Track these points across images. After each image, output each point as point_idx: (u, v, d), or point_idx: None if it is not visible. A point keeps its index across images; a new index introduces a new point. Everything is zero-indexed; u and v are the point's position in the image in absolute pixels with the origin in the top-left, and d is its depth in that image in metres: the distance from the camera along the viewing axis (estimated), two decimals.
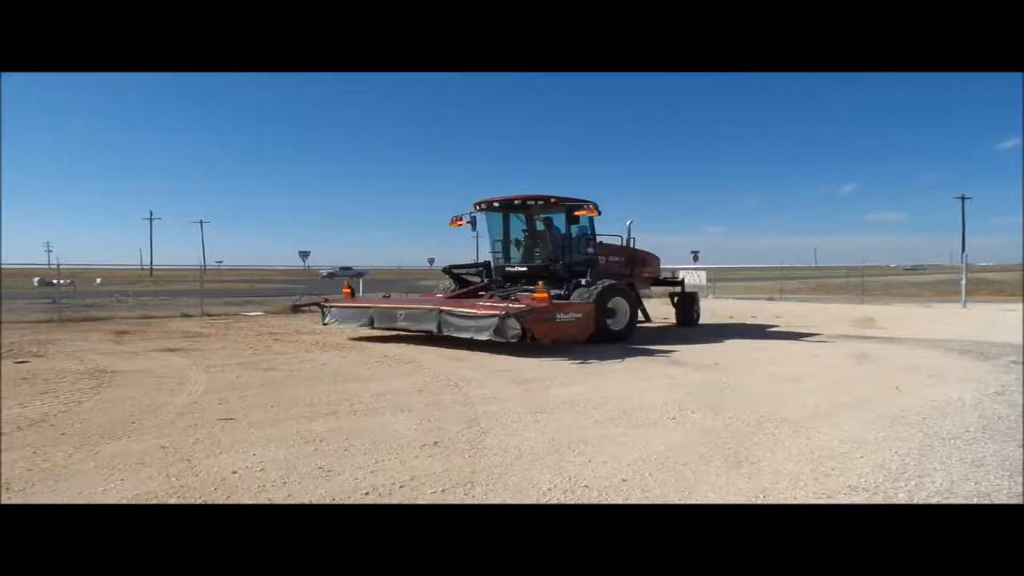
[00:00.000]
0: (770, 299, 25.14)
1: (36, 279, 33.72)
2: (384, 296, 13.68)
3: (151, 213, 77.95)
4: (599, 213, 11.85)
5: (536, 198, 11.81)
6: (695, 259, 37.53)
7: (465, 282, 13.07)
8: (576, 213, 11.85)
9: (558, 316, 9.68)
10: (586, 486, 3.79)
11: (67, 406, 5.90)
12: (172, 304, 20.35)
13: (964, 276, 22.56)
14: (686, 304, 14.86)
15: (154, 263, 75.34)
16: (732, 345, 10.87)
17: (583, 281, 10.96)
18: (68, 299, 20.90)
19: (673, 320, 15.02)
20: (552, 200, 11.78)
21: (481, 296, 11.84)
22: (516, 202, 12.00)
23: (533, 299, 9.87)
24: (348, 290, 13.12)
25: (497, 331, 9.18)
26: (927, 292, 28.33)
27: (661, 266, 15.51)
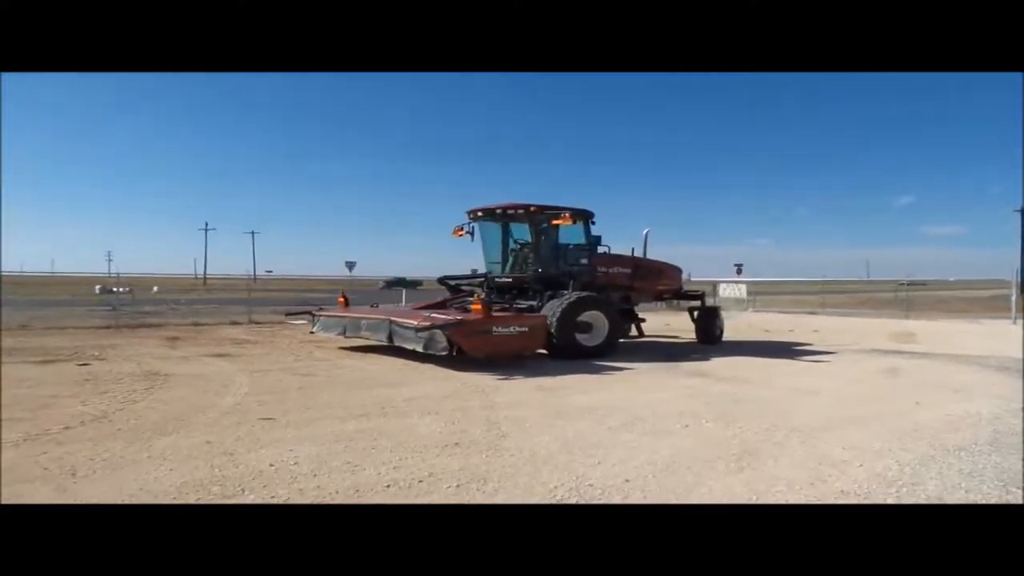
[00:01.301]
0: (812, 313, 24.83)
1: (98, 287, 35.36)
2: (372, 306, 13.19)
3: (206, 224, 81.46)
4: (575, 222, 11.51)
5: (514, 207, 11.61)
6: (739, 272, 37.00)
7: (460, 292, 12.90)
8: (555, 222, 11.44)
9: (494, 330, 9.40)
10: (591, 484, 4.06)
11: (123, 404, 6.42)
12: (222, 312, 21.21)
13: (1015, 292, 21.94)
14: (706, 320, 13.89)
15: (208, 272, 78.26)
16: (758, 358, 10.93)
17: (564, 293, 10.74)
18: (127, 306, 21.98)
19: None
20: (532, 209, 11.50)
21: (447, 307, 11.73)
22: (497, 211, 11.84)
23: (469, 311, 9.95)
24: (342, 300, 13.02)
25: (425, 344, 9.15)
26: (976, 308, 27.48)
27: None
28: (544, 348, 10.12)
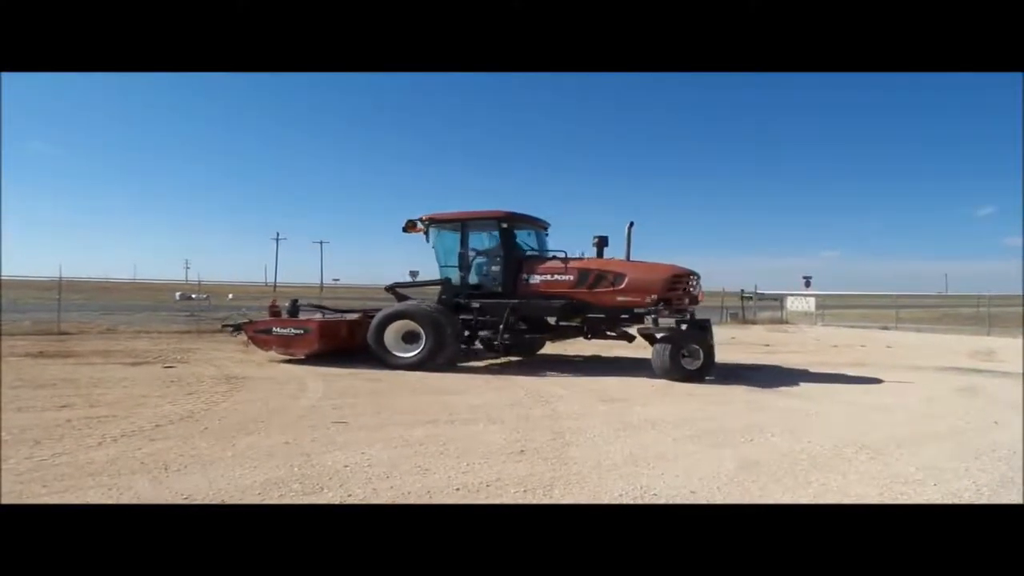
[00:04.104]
0: (885, 328, 23.91)
1: (178, 293, 37.19)
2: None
3: (277, 234, 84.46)
4: (426, 230, 11.13)
5: (422, 218, 11.30)
6: (807, 284, 35.96)
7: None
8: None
9: (274, 330, 11.05)
10: (655, 495, 4.12)
11: (207, 405, 6.82)
12: None
13: None
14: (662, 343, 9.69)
15: (278, 280, 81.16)
16: (827, 373, 10.65)
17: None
18: (204, 312, 23.06)
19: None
20: (423, 219, 11.28)
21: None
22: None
23: None
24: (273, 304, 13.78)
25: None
26: None
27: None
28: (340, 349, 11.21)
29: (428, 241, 11.46)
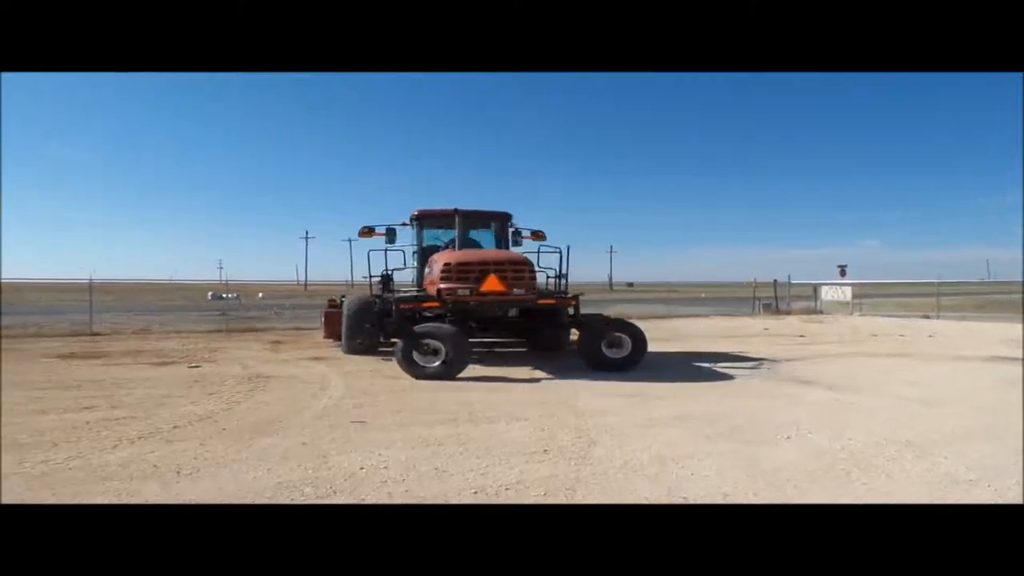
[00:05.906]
0: (925, 317, 23.10)
1: (210, 293, 37.76)
2: None
3: (307, 233, 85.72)
4: (379, 234, 11.63)
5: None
6: (843, 273, 34.99)
7: None
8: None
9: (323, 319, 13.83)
10: (684, 497, 3.88)
11: (228, 405, 6.74)
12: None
13: None
14: (588, 332, 9.91)
15: (308, 277, 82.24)
16: (865, 365, 10.24)
17: None
18: (235, 311, 23.30)
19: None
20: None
21: None
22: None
23: None
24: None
25: None
26: None
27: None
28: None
29: (387, 243, 11.70)
